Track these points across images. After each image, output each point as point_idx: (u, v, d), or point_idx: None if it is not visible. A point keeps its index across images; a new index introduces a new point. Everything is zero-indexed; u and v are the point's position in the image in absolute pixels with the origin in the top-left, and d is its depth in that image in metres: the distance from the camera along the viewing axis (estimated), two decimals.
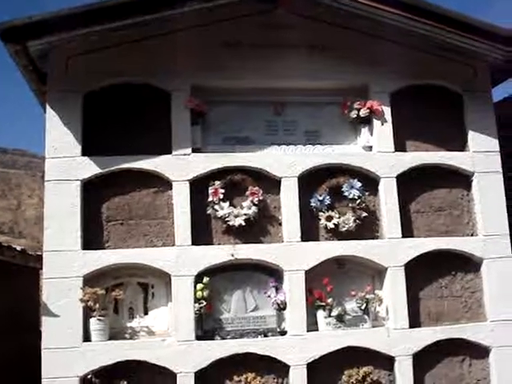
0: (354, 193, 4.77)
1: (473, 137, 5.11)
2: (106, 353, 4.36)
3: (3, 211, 9.74)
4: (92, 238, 4.58)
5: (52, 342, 4.35)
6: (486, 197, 5.01)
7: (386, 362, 4.70)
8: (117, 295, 4.49)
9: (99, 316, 4.40)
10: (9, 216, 9.80)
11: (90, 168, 4.60)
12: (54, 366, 4.31)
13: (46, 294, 4.46)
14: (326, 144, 4.98)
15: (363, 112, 4.90)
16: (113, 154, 4.63)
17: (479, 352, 4.87)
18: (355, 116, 4.93)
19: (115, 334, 4.53)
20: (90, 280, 4.48)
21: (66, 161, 4.60)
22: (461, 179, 5.09)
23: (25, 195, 10.11)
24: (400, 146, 4.99)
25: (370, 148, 4.97)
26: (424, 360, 4.73)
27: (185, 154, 4.68)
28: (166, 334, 4.55)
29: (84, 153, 4.62)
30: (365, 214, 4.80)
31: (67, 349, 4.34)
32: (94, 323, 4.41)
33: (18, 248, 5.40)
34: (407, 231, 4.87)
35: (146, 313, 4.65)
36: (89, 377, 4.34)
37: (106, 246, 4.60)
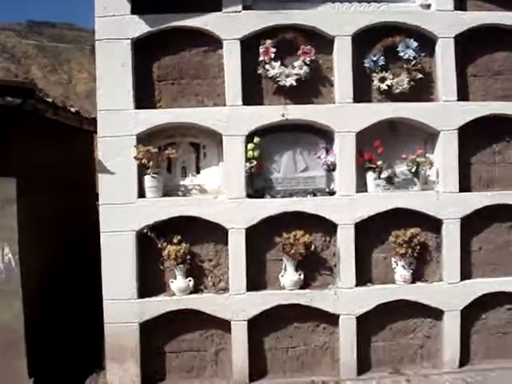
0: (410, 53, 4.60)
1: None
2: (161, 208, 4.53)
3: (54, 85, 9.80)
4: (144, 98, 4.61)
5: (108, 198, 4.53)
6: None
7: (434, 225, 4.76)
8: (170, 153, 4.59)
9: (153, 173, 4.53)
10: (60, 90, 9.88)
11: (139, 27, 4.55)
12: (111, 220, 4.52)
13: (101, 152, 4.58)
14: (381, 1, 4.73)
15: None
16: (162, 12, 4.54)
17: None
18: None
19: (168, 191, 4.68)
20: (144, 139, 4.56)
21: (115, 19, 4.54)
22: None
23: (74, 70, 10.11)
24: (460, 5, 4.73)
25: (429, 6, 4.73)
26: (472, 224, 4.77)
27: (235, 12, 4.56)
28: (218, 192, 4.67)
29: (133, 11, 4.54)
30: (420, 76, 4.66)
31: (123, 204, 4.52)
32: (149, 180, 4.55)
33: (73, 110, 5.48)
34: (463, 94, 4.74)
35: (198, 172, 4.76)
36: (144, 231, 4.53)
37: (157, 106, 4.65)
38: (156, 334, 4.62)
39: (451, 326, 4.74)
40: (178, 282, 4.57)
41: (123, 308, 4.52)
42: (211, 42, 4.62)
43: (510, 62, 4.85)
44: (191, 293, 4.60)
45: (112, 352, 4.55)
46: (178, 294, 4.57)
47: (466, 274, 4.77)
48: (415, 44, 4.62)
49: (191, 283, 4.59)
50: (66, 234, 5.57)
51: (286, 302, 4.60)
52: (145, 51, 4.61)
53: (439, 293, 4.71)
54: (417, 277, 4.75)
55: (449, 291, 4.71)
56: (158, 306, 4.55)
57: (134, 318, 4.52)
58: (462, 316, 4.74)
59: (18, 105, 4.46)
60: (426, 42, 4.71)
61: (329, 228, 4.68)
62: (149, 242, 4.55)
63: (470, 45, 4.76)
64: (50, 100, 4.84)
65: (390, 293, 4.68)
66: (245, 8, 4.59)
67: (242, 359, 4.58)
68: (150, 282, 4.61)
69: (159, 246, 4.54)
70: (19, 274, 4.58)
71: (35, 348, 4.63)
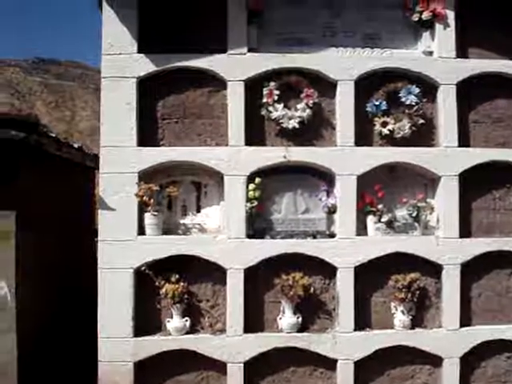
0: (412, 99, 4.65)
1: None
2: (160, 246, 4.51)
3: (57, 122, 9.89)
4: (147, 136, 4.63)
5: (108, 235, 4.51)
6: None
7: (434, 270, 4.73)
8: (171, 192, 4.59)
9: (153, 211, 4.52)
10: (63, 127, 9.95)
11: (145, 65, 4.60)
12: (109, 257, 4.50)
13: (102, 189, 4.58)
14: (385, 48, 4.81)
15: (426, 15, 4.69)
16: (168, 52, 4.60)
17: None
18: (417, 19, 4.73)
19: (168, 229, 4.66)
20: (145, 176, 4.57)
21: (122, 58, 4.60)
22: None
23: (78, 107, 10.22)
24: (462, 53, 4.79)
25: (431, 53, 4.79)
26: (472, 270, 4.74)
27: (240, 54, 4.62)
28: (218, 231, 4.66)
29: (140, 50, 4.61)
30: (421, 121, 4.69)
31: (123, 241, 4.50)
32: (149, 218, 4.54)
33: (76, 145, 5.52)
34: (464, 141, 4.76)
35: (198, 210, 4.75)
36: (142, 268, 4.50)
37: (160, 144, 4.67)
38: (150, 374, 4.54)
39: (450, 374, 4.66)
40: (175, 321, 4.52)
41: (118, 346, 4.46)
42: (216, 82, 4.67)
43: (510, 109, 4.90)
44: (187, 333, 4.54)
45: None
46: (174, 334, 4.51)
47: (465, 320, 4.72)
48: (417, 90, 4.67)
49: (188, 323, 4.54)
50: (63, 269, 5.54)
51: (284, 345, 4.54)
52: (150, 90, 4.65)
53: (438, 339, 4.66)
54: (416, 322, 4.69)
55: (448, 338, 4.65)
56: (154, 345, 4.49)
57: (128, 356, 4.46)
58: (461, 363, 4.67)
59: (21, 139, 4.50)
60: (428, 88, 4.76)
61: (328, 271, 4.65)
62: (146, 279, 4.51)
63: (472, 92, 4.81)
64: (53, 135, 4.87)
65: (388, 338, 4.62)
66: (250, 50, 4.65)
67: None
68: (146, 320, 4.56)
69: (157, 284, 4.51)
70: (14, 309, 4.54)
71: None
